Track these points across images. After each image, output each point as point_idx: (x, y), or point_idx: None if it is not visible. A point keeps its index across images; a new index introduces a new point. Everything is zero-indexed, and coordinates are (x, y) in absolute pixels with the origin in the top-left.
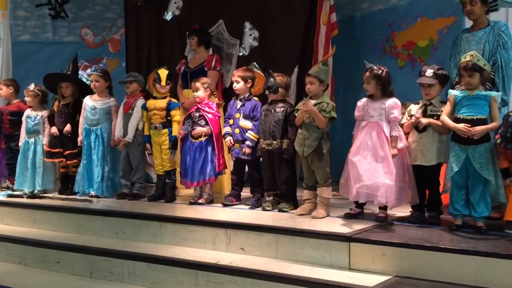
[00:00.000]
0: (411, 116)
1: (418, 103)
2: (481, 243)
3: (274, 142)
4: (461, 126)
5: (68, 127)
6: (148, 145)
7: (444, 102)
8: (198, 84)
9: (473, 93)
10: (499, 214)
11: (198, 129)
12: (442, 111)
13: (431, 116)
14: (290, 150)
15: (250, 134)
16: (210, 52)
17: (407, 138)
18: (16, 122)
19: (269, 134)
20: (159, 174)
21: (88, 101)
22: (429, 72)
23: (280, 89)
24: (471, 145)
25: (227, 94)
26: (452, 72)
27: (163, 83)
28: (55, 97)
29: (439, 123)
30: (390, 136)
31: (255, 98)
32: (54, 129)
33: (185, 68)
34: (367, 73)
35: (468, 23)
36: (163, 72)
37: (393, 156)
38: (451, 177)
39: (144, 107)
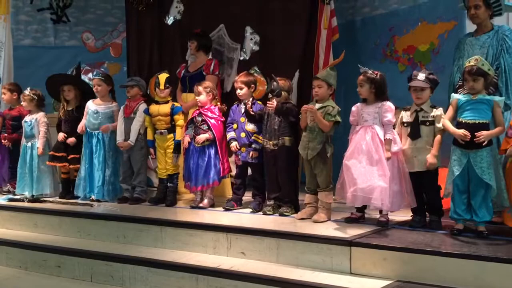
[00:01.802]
0: (402, 123)
1: (409, 109)
2: (482, 248)
3: (279, 141)
4: (460, 131)
5: (72, 139)
6: (152, 150)
7: (433, 107)
8: (200, 88)
9: (476, 97)
10: (500, 219)
11: (200, 137)
12: (433, 116)
13: (423, 123)
14: (292, 151)
15: (256, 137)
16: (210, 57)
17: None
18: (17, 126)
19: (274, 134)
20: (161, 178)
21: (91, 105)
22: (421, 76)
23: (283, 93)
24: (472, 149)
25: (228, 99)
26: (454, 76)
27: (162, 87)
28: (55, 104)
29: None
30: (384, 139)
31: (259, 102)
32: (61, 136)
33: (185, 72)
34: (361, 76)
35: (469, 28)
36: (163, 77)
37: (387, 159)
38: (453, 181)
39: (146, 112)
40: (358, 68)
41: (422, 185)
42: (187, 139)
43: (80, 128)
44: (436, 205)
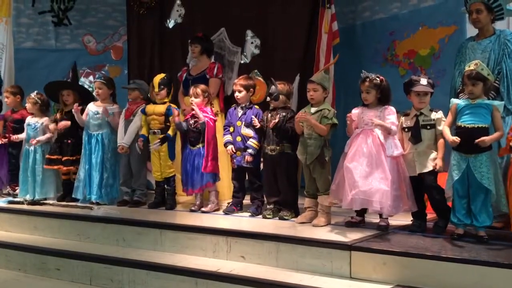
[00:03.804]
0: (403, 128)
1: (408, 114)
2: (482, 253)
3: (278, 147)
4: (452, 138)
5: (63, 123)
6: (141, 140)
7: (432, 110)
8: (198, 91)
9: (475, 102)
10: (501, 224)
11: (197, 112)
12: (434, 120)
13: (424, 126)
14: (292, 156)
15: (252, 142)
16: (212, 60)
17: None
18: (19, 129)
19: (273, 140)
20: (158, 180)
21: (91, 107)
22: (424, 80)
23: (281, 97)
24: (472, 154)
25: (229, 102)
26: (456, 81)
27: (156, 89)
28: (55, 106)
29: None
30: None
31: (256, 107)
32: (62, 124)
33: (187, 75)
34: (367, 83)
35: (470, 32)
36: (157, 79)
37: (390, 130)
38: (453, 186)
39: (143, 111)
40: (360, 72)
41: (425, 188)
42: (177, 118)
43: (79, 117)
44: (442, 207)
